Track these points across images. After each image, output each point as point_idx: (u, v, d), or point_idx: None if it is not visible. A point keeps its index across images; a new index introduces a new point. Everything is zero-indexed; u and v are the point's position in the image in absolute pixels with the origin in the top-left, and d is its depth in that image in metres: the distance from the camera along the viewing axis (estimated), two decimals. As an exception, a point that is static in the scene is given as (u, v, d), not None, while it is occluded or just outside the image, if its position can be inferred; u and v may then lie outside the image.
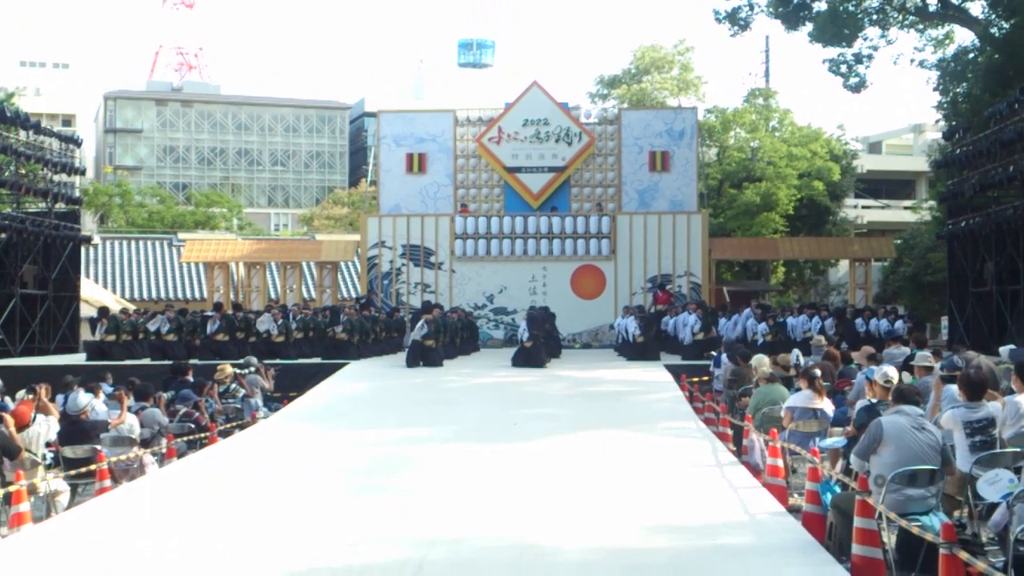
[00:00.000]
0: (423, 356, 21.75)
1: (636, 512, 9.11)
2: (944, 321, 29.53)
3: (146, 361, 22.43)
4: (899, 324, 23.35)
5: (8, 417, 11.23)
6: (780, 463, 10.61)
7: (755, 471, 11.24)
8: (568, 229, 29.34)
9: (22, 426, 11.29)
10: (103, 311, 24.62)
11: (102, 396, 13.54)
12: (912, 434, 8.21)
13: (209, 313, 24.67)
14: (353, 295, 36.05)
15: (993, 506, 8.15)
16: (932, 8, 29.78)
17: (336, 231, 53.39)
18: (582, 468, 11.31)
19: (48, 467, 11.56)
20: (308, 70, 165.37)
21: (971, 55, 29.36)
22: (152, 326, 23.77)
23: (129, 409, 13.22)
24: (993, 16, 28.45)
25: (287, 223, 78.35)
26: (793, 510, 9.56)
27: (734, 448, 13.01)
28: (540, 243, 29.44)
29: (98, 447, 11.70)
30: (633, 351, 23.45)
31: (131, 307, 29.16)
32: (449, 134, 31.11)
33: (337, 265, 34.87)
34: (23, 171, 28.28)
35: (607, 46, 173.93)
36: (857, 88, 30.67)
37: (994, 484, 7.80)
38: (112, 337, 23.24)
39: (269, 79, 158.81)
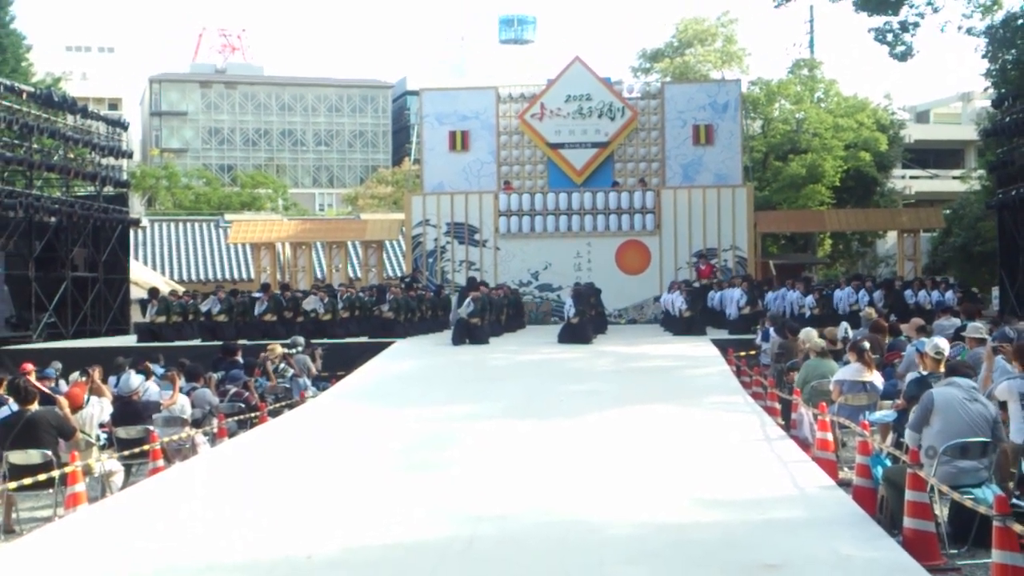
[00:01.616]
0: (469, 334, 21.78)
1: (685, 487, 9.10)
2: (995, 292, 29.18)
3: (196, 342, 22.63)
4: (949, 295, 23.09)
5: (62, 399, 11.39)
6: (830, 437, 10.56)
7: (804, 445, 11.19)
8: (612, 204, 29.21)
9: (76, 408, 11.44)
10: (153, 292, 24.87)
11: (153, 378, 13.70)
12: (964, 406, 8.15)
13: (257, 294, 24.83)
14: (398, 274, 36.19)
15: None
16: (979, -27, 29.28)
17: (380, 210, 53.52)
18: (630, 443, 11.31)
19: (102, 448, 11.71)
20: (350, 49, 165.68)
21: (1020, 21, 28.85)
22: (204, 307, 23.97)
23: (180, 390, 13.37)
24: (1043, -19, 27.99)
25: (332, 203, 78.68)
26: (843, 484, 9.52)
27: (783, 422, 12.97)
28: (584, 219, 29.37)
29: (150, 428, 11.86)
30: (679, 326, 23.35)
31: (180, 289, 29.46)
32: (492, 111, 31.07)
33: (382, 244, 34.95)
34: (71, 155, 28.64)
35: (649, 20, 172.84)
36: (903, 57, 30.18)
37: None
38: (163, 319, 23.46)
39: (312, 59, 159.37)
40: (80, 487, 9.27)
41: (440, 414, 13.60)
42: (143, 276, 34.58)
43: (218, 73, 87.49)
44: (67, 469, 9.41)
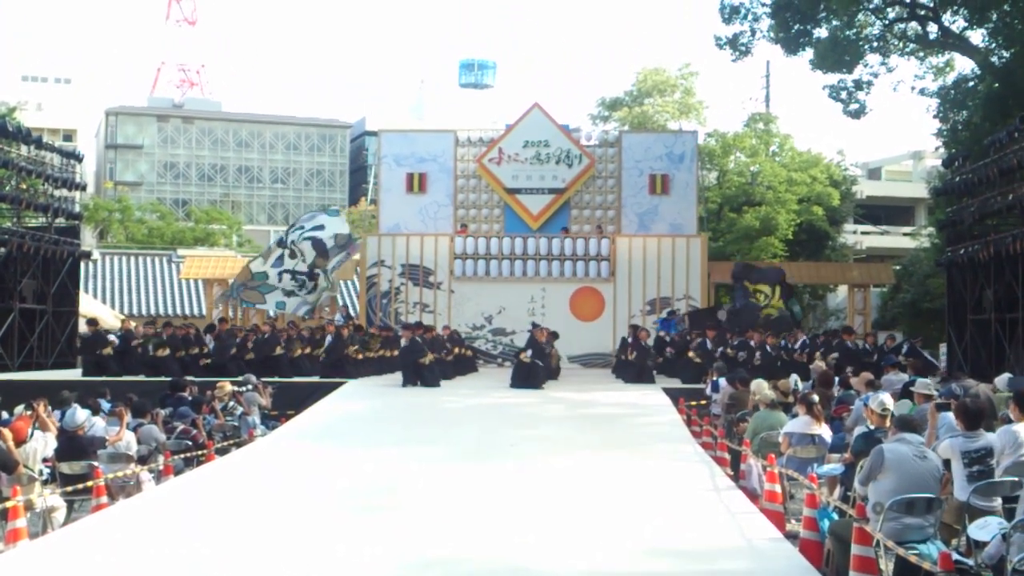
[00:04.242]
0: (419, 376, 21.72)
1: (632, 536, 9.10)
2: (943, 348, 29.51)
3: (142, 377, 22.38)
4: (906, 347, 23.38)
5: (6, 432, 11.21)
6: (778, 489, 10.61)
7: (752, 496, 11.23)
8: (567, 251, 29.33)
9: (19, 441, 11.27)
10: (93, 322, 24.85)
11: (101, 413, 13.53)
12: (913, 462, 8.21)
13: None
14: (352, 313, 36.01)
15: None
16: (932, 36, 29.90)
17: (335, 249, 53.29)
18: (579, 490, 11.29)
19: (45, 483, 11.53)
20: (310, 88, 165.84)
21: (971, 83, 29.46)
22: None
23: (127, 425, 13.20)
24: (993, 45, 28.57)
25: (286, 241, 78.27)
26: (790, 536, 9.56)
27: (731, 473, 13.00)
28: (539, 264, 29.45)
29: (95, 463, 11.69)
30: (630, 373, 23.37)
31: (133, 324, 29.12)
32: (450, 154, 31.13)
33: (336, 284, 34.80)
34: (24, 186, 28.30)
35: (609, 69, 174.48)
36: (857, 114, 30.75)
37: (984, 529, 7.82)
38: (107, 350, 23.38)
39: (271, 97, 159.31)
40: (21, 522, 9.12)
41: (390, 456, 13.52)
42: (93, 310, 34.17)
43: (175, 107, 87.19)
44: (8, 504, 9.26)
